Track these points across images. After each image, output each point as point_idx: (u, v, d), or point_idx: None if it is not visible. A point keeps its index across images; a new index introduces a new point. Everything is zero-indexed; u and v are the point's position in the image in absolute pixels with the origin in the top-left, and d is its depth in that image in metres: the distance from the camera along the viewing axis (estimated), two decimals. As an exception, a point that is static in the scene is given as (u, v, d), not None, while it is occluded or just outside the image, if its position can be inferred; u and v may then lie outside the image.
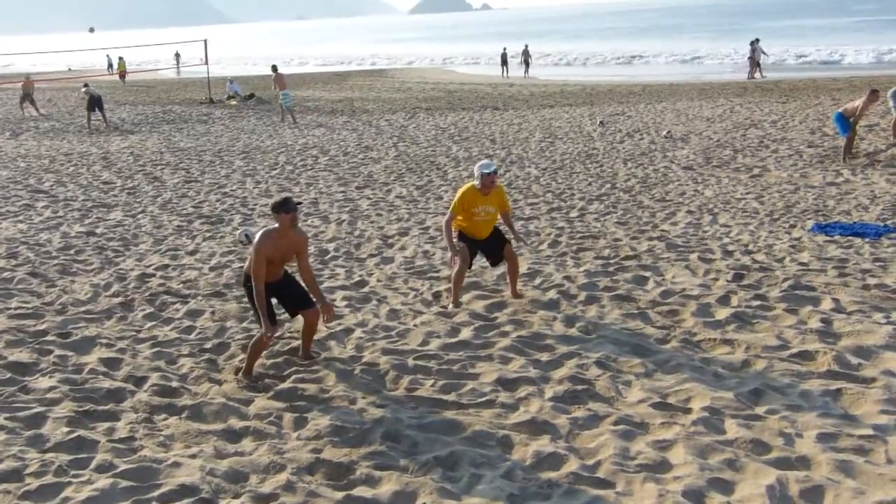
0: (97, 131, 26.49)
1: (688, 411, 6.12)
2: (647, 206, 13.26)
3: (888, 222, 11.52)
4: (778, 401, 6.23)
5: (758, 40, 38.84)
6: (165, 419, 6.25)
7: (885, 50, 49.31)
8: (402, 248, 11.15)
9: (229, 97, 35.86)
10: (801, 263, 9.76)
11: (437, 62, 71.46)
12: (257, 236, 6.80)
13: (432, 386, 6.73)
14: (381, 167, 18.07)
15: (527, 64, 47.83)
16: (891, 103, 17.95)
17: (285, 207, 6.71)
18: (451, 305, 8.69)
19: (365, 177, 16.94)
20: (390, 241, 11.61)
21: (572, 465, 5.40)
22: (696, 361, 7.05)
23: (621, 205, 13.47)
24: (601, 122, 23.99)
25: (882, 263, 9.63)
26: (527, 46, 48.92)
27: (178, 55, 67.82)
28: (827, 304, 8.30)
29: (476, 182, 8.27)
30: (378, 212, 13.55)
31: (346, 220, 13.00)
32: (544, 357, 7.27)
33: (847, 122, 16.30)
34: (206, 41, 40.05)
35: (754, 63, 38.23)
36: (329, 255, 10.91)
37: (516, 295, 8.84)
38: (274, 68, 29.56)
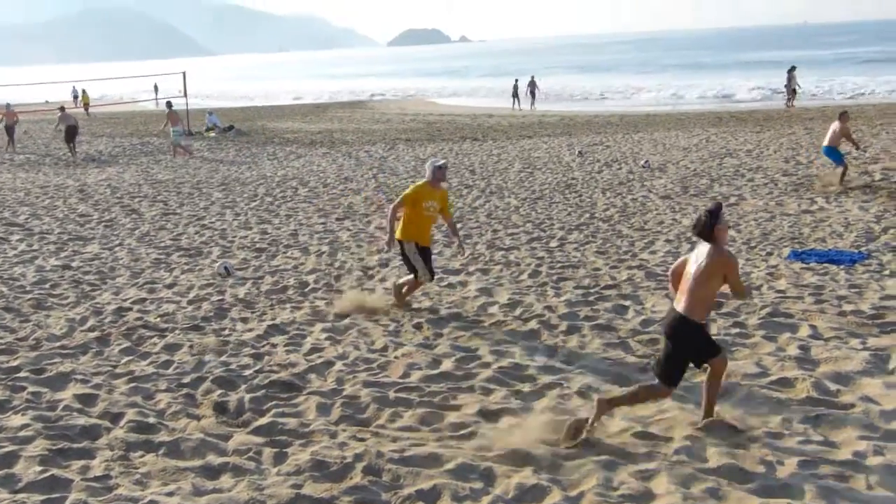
0: (73, 163, 26.32)
1: (669, 440, 6.10)
2: (626, 236, 13.30)
3: (862, 249, 11.62)
4: (759, 428, 6.23)
5: (794, 68, 38.86)
6: (142, 456, 6.12)
7: (856, 82, 50.04)
8: (383, 280, 11.10)
9: (208, 129, 35.85)
10: (779, 291, 9.81)
11: (416, 94, 71.80)
12: (730, 254, 6.13)
13: (413, 418, 6.68)
14: (361, 198, 18.07)
15: (533, 95, 47.59)
16: None
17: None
18: (394, 304, 9.61)
19: (345, 208, 16.92)
20: (370, 272, 11.56)
21: (555, 496, 5.35)
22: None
23: (600, 234, 13.51)
24: (580, 153, 24.14)
25: (857, 290, 9.70)
26: (533, 78, 48.79)
27: (156, 87, 67.76)
28: (805, 331, 8.34)
29: (428, 177, 9.27)
30: (358, 243, 13.50)
31: (326, 251, 12.95)
32: (526, 387, 7.23)
33: (837, 152, 16.73)
34: (184, 73, 40.06)
35: (791, 91, 38.20)
36: (309, 287, 10.84)
37: (400, 301, 9.63)
38: (168, 104, 29.58)
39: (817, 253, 11.50)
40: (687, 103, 47.50)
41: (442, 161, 9.35)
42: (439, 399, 7.04)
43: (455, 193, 18.16)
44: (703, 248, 6.08)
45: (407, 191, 9.40)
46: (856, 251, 11.51)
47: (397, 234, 9.38)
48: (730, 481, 5.45)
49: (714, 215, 6.03)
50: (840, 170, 16.82)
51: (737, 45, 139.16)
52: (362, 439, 6.30)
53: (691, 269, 6.12)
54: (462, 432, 6.38)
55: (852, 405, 6.57)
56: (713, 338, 6.43)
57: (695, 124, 31.57)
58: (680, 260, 6.48)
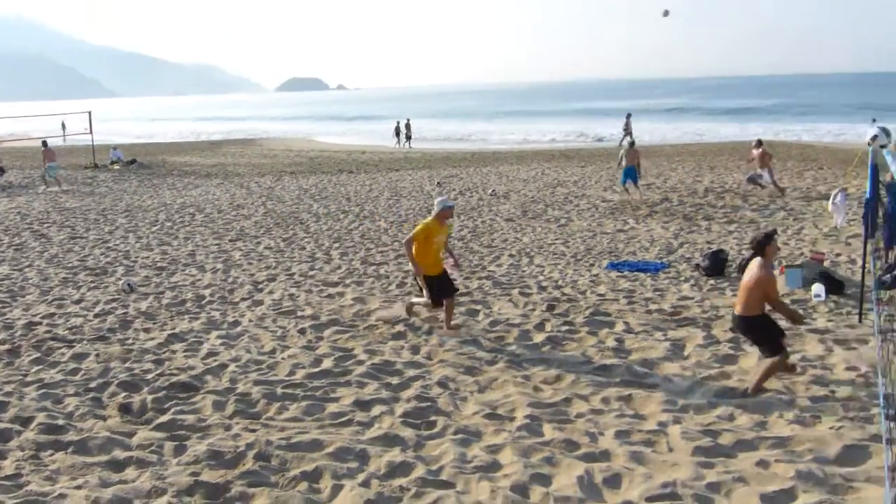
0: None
1: (513, 419, 6.25)
2: (477, 252, 13.54)
3: (664, 260, 12.24)
4: (584, 406, 6.47)
5: (630, 115, 39.86)
6: (52, 455, 5.79)
7: (660, 128, 52.55)
8: (271, 292, 10.90)
9: (112, 162, 34.15)
10: (599, 295, 10.21)
11: (300, 133, 70.52)
12: (771, 273, 6.48)
13: (298, 410, 6.59)
14: (252, 222, 17.66)
15: (408, 135, 46.37)
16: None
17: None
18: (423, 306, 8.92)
19: (237, 231, 16.49)
20: (260, 286, 11.32)
21: (419, 471, 5.39)
22: (518, 378, 7.21)
23: (456, 251, 13.66)
24: (439, 183, 24.35)
25: (660, 292, 10.21)
26: (409, 120, 48.29)
27: (63, 125, 63.98)
28: (620, 327, 8.70)
29: (435, 214, 8.58)
30: (249, 261, 13.20)
31: (221, 268, 12.59)
32: (394, 380, 7.26)
33: (635, 172, 18.93)
34: (90, 112, 38.13)
35: (628, 133, 38.94)
36: (206, 300, 10.52)
37: (451, 328, 8.76)
38: (43, 143, 27.75)
39: (629, 264, 12.03)
40: (526, 143, 48.70)
41: (452, 202, 8.83)
42: (320, 393, 6.98)
43: (333, 218, 18.03)
44: (755, 262, 6.58)
45: (417, 228, 8.61)
46: (659, 262, 12.11)
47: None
48: (561, 451, 5.64)
49: (769, 237, 6.54)
50: (633, 188, 18.94)
51: (566, 96, 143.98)
52: (253, 430, 6.17)
53: (745, 277, 6.59)
54: (340, 420, 6.34)
55: (657, 385, 6.91)
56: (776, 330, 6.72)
57: (532, 160, 32.43)
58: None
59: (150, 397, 6.89)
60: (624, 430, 5.93)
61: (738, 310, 6.72)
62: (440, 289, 8.68)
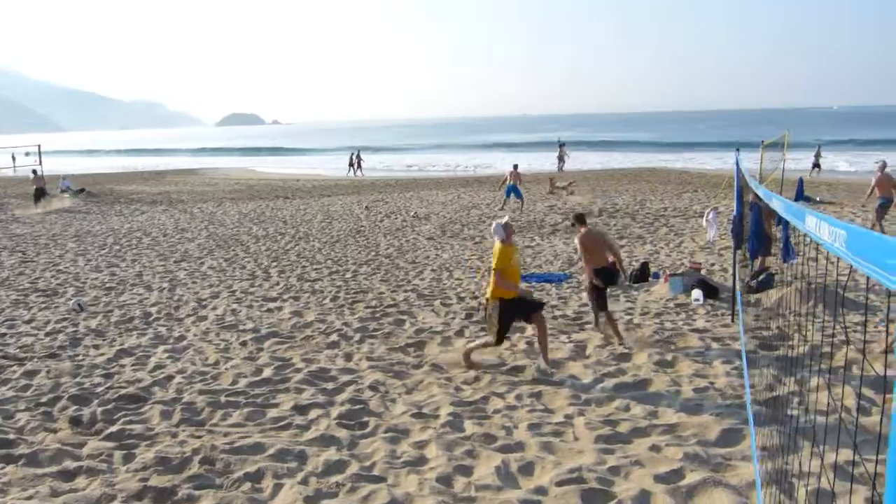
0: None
1: (437, 417, 6.19)
2: (402, 267, 13.48)
3: (565, 272, 12.46)
4: (500, 403, 6.46)
5: (563, 143, 39.95)
6: (3, 468, 5.39)
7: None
8: (214, 308, 10.55)
9: (62, 191, 32.57)
10: (511, 303, 10.26)
11: (238, 164, 68.96)
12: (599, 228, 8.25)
13: (241, 416, 6.36)
14: (195, 245, 17.12)
15: (359, 165, 45.65)
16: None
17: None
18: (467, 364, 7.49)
19: (182, 253, 15.95)
20: (204, 303, 10.95)
21: (354, 467, 5.27)
22: (441, 380, 7.17)
23: (383, 267, 13.60)
24: (366, 207, 24.18)
25: (564, 300, 10.37)
26: (358, 151, 47.52)
27: (13, 157, 60.70)
28: (530, 331, 8.72)
29: (501, 237, 7.51)
30: (193, 280, 12.76)
31: (167, 287, 12.12)
32: (329, 386, 7.10)
33: (518, 190, 21.46)
34: (39, 146, 36.36)
35: (561, 159, 38.87)
36: (153, 317, 10.09)
37: (548, 362, 7.30)
38: None
39: (537, 276, 12.18)
40: (443, 170, 49.06)
41: (507, 219, 7.66)
42: (262, 399, 6.76)
43: (271, 239, 17.65)
44: (595, 231, 8.30)
45: (498, 259, 7.36)
46: (562, 273, 12.32)
47: (490, 294, 7.42)
48: (481, 444, 5.61)
49: (582, 215, 8.48)
50: (520, 202, 21.45)
51: (475, 131, 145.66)
52: (199, 436, 5.91)
53: (597, 239, 8.16)
54: (280, 424, 6.15)
55: (563, 382, 6.97)
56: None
57: (449, 185, 32.63)
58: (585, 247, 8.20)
59: (99, 409, 6.52)
60: (535, 423, 5.94)
61: (607, 262, 8.09)
62: (525, 306, 7.44)
